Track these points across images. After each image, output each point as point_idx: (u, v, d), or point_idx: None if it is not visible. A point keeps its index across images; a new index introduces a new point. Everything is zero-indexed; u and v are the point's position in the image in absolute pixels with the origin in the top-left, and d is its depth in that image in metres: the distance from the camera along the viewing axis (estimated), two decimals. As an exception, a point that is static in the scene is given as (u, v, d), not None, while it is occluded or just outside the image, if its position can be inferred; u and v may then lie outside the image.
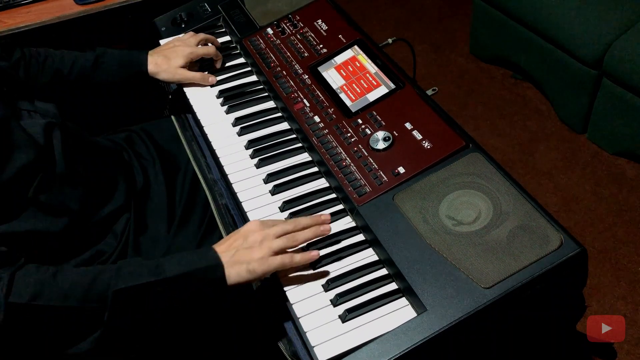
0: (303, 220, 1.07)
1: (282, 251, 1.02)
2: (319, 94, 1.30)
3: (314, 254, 1.03)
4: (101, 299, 0.95)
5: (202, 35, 1.47)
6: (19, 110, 1.13)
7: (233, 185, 1.21)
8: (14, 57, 1.28)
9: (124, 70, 1.38)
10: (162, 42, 1.57)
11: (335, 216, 1.14)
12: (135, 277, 0.96)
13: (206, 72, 1.44)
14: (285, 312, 1.03)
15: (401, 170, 1.11)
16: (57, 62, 1.34)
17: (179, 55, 1.40)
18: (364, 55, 1.34)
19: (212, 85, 1.44)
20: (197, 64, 1.46)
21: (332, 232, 1.10)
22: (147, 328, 1.07)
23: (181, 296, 1.00)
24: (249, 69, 1.48)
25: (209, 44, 1.48)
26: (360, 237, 1.10)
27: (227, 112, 1.37)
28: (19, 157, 1.05)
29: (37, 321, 0.95)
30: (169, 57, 1.40)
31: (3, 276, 0.92)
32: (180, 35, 1.49)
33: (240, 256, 1.01)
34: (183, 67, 1.40)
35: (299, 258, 1.03)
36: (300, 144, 1.28)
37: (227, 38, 1.57)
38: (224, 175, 1.25)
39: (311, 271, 1.05)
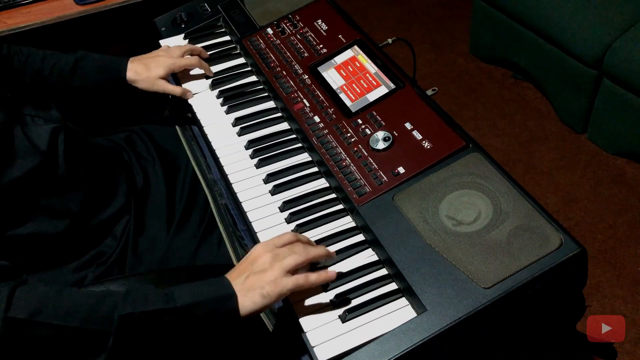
0: (311, 245, 1.04)
1: (295, 271, 0.98)
2: (319, 94, 1.30)
3: (331, 274, 0.99)
4: (106, 322, 0.90)
5: (187, 47, 1.44)
6: (22, 115, 1.12)
7: (233, 185, 1.21)
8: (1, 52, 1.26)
9: (102, 76, 1.36)
10: (162, 42, 1.58)
11: (335, 216, 1.14)
12: (143, 303, 0.91)
13: (186, 88, 1.41)
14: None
15: (401, 170, 1.11)
16: (37, 63, 1.32)
17: (159, 66, 1.37)
18: (364, 55, 1.34)
19: (211, 86, 1.44)
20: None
21: (332, 232, 1.11)
22: (151, 357, 1.00)
23: (190, 327, 0.94)
24: (249, 69, 1.48)
25: (193, 55, 1.45)
26: (360, 237, 1.10)
27: (227, 112, 1.37)
28: (23, 162, 1.05)
29: (37, 338, 0.90)
30: (149, 67, 1.36)
31: (3, 289, 0.89)
32: (165, 47, 1.47)
33: (252, 282, 0.95)
34: (163, 77, 1.37)
35: (315, 278, 0.97)
36: (300, 144, 1.28)
37: (227, 38, 1.57)
38: (223, 175, 1.25)
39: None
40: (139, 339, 0.92)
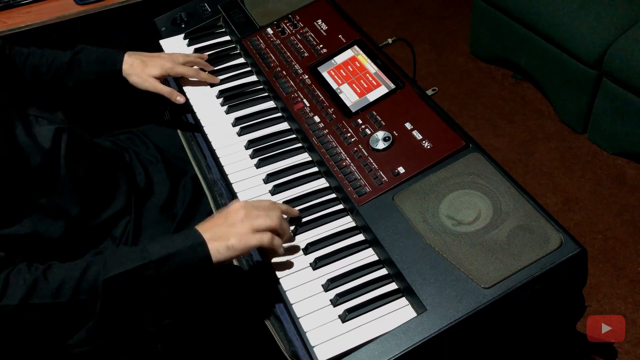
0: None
1: (262, 231, 1.03)
2: (319, 94, 1.30)
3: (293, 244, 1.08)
4: (92, 290, 0.95)
5: (192, 57, 1.43)
6: (26, 115, 1.12)
7: (233, 185, 1.22)
8: None
9: (98, 68, 1.34)
10: (161, 42, 1.58)
11: (335, 216, 1.14)
12: (122, 263, 0.97)
13: (175, 91, 1.36)
14: (283, 309, 1.03)
15: (401, 170, 1.11)
16: (36, 60, 1.32)
17: (156, 65, 1.34)
18: (364, 55, 1.34)
19: (211, 85, 1.44)
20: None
21: (332, 232, 1.11)
22: (142, 315, 1.06)
23: (169, 276, 0.99)
24: (249, 69, 1.48)
25: (195, 66, 1.43)
26: (360, 237, 1.10)
27: (227, 112, 1.37)
28: (25, 162, 1.05)
29: (30, 319, 0.96)
30: (146, 64, 1.34)
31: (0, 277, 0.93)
32: (174, 52, 1.45)
33: (221, 233, 1.01)
34: (156, 78, 1.34)
35: (278, 241, 1.04)
36: (300, 144, 1.28)
37: (227, 38, 1.57)
38: (224, 175, 1.25)
39: (311, 271, 1.05)
40: (125, 298, 0.98)
